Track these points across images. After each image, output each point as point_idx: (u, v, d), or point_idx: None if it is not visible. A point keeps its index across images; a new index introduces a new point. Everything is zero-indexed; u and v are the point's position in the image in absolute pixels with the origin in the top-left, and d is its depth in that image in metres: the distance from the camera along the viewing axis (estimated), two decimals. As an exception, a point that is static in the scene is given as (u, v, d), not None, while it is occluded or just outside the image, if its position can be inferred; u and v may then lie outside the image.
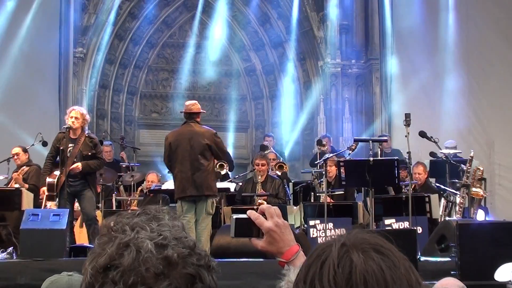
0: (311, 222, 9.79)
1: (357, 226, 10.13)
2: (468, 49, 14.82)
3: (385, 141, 11.88)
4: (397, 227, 9.43)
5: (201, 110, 9.52)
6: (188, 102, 9.67)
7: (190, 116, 9.34)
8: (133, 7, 18.29)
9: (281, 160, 13.20)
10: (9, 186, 10.79)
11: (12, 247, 8.82)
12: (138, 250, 1.31)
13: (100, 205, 11.08)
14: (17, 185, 10.60)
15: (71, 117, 9.35)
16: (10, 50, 15.24)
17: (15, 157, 11.14)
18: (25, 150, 11.25)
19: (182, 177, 9.07)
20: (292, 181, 12.87)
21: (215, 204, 9.51)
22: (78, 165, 9.22)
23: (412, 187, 10.41)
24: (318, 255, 1.35)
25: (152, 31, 18.93)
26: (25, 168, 11.02)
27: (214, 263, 1.40)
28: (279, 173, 12.21)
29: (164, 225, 1.38)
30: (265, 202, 10.73)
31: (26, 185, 10.62)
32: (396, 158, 9.77)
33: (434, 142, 10.49)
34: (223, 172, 12.34)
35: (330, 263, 1.32)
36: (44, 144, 11.14)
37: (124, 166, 13.61)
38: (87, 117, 9.63)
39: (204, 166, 9.10)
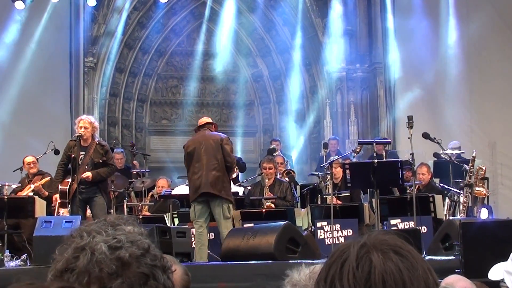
0: (319, 224, 9.90)
1: (363, 226, 10.25)
2: (469, 50, 14.86)
3: (389, 143, 11.98)
4: (402, 227, 9.56)
5: (213, 122, 9.79)
6: (201, 118, 10.01)
7: (204, 126, 9.61)
8: (141, 17, 18.43)
9: (288, 167, 13.33)
10: (20, 194, 10.91)
11: (26, 254, 8.96)
12: (92, 252, 1.38)
13: (112, 211, 11.19)
14: (31, 193, 10.72)
15: (80, 127, 9.52)
16: (21, 61, 15.38)
17: (32, 165, 11.25)
18: (37, 160, 11.39)
19: (195, 178, 9.20)
20: (299, 183, 12.98)
21: (231, 208, 9.61)
22: (89, 175, 9.34)
23: (416, 187, 10.53)
24: (339, 255, 1.38)
25: (160, 40, 19.05)
26: (46, 177, 11.08)
27: (169, 264, 1.47)
28: (287, 179, 12.33)
29: (120, 229, 1.45)
30: (273, 205, 10.89)
31: (46, 193, 10.76)
32: (399, 159, 9.87)
33: (437, 143, 10.62)
34: (233, 176, 12.49)
35: (350, 263, 1.34)
36: (56, 152, 11.25)
37: (135, 172, 13.75)
38: (96, 124, 9.76)
39: (217, 167, 9.22)
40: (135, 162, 14.46)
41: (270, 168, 11.27)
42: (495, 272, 3.42)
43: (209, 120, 9.84)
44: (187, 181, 9.92)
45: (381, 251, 1.35)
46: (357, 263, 1.34)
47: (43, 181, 10.94)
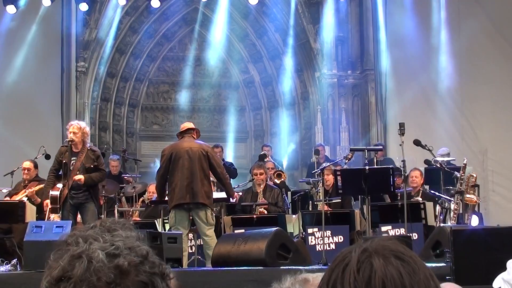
0: (310, 230, 9.92)
1: (354, 233, 10.27)
2: (460, 57, 14.92)
3: (381, 149, 12.00)
4: (393, 234, 9.59)
5: (196, 128, 9.76)
6: (184, 123, 9.99)
7: (186, 131, 9.57)
8: (133, 22, 18.42)
9: (279, 169, 13.33)
10: (13, 199, 10.86)
11: (16, 259, 8.93)
12: (89, 260, 1.33)
13: (102, 216, 11.15)
14: (25, 199, 10.67)
15: (70, 132, 9.52)
16: (13, 65, 15.36)
17: (26, 171, 11.14)
18: (36, 166, 11.24)
19: (180, 185, 9.19)
20: (291, 190, 12.98)
21: (214, 214, 9.64)
22: (81, 177, 9.32)
23: (415, 191, 10.69)
24: (341, 259, 1.40)
25: (152, 45, 19.05)
26: (39, 185, 10.99)
27: (168, 270, 1.44)
28: (278, 182, 12.34)
29: (117, 235, 1.41)
30: (265, 212, 10.90)
31: (39, 200, 10.70)
32: (391, 166, 9.90)
33: (429, 150, 10.65)
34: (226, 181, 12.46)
35: (351, 267, 1.36)
36: (47, 157, 11.22)
37: (126, 178, 13.74)
38: (87, 130, 9.74)
39: (201, 175, 9.23)
40: (126, 177, 14.30)
41: (261, 174, 11.28)
42: (497, 281, 3.47)
43: (191, 125, 9.80)
44: (156, 184, 9.90)
45: (382, 256, 1.36)
46: (358, 267, 1.35)
47: (37, 187, 10.88)
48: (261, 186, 11.27)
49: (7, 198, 10.94)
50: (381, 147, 12.49)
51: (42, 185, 10.86)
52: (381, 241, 1.41)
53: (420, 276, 1.36)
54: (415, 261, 1.38)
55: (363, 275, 1.34)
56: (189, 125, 9.80)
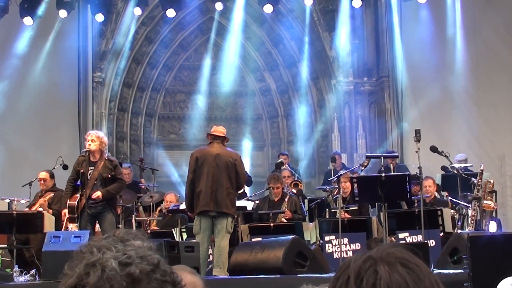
0: (327, 238, 9.92)
1: (371, 240, 10.25)
2: (476, 63, 14.87)
3: (397, 156, 11.98)
4: (410, 241, 9.56)
5: (226, 136, 9.77)
6: (216, 126, 9.96)
7: (217, 137, 9.60)
8: (149, 32, 18.50)
9: (296, 178, 13.31)
10: (32, 209, 10.92)
11: (35, 269, 9.00)
12: (103, 269, 1.37)
13: (120, 226, 11.19)
14: (40, 209, 10.73)
15: (88, 140, 9.56)
16: (30, 76, 15.46)
17: (42, 182, 11.20)
18: (52, 176, 11.32)
19: (204, 192, 9.22)
20: (307, 197, 12.97)
21: (233, 223, 9.67)
22: (99, 194, 9.31)
23: (428, 200, 10.66)
24: (346, 267, 1.41)
25: (168, 55, 19.09)
26: (50, 194, 11.12)
27: (179, 279, 1.47)
28: (295, 191, 12.34)
29: (130, 245, 1.45)
30: (285, 221, 10.91)
31: (50, 211, 10.75)
32: (407, 173, 9.88)
33: (445, 156, 10.62)
34: (240, 191, 12.49)
35: (355, 275, 1.37)
36: (65, 167, 11.28)
37: (143, 187, 13.77)
38: (105, 139, 9.75)
39: (227, 184, 9.26)
40: (142, 180, 14.43)
41: (277, 188, 11.29)
42: (503, 286, 3.46)
43: (224, 132, 9.81)
44: (185, 193, 9.87)
45: (388, 263, 1.37)
46: (362, 275, 1.36)
47: (47, 197, 10.95)
48: (278, 196, 11.28)
49: (26, 209, 11.01)
50: (397, 154, 12.47)
51: (51, 194, 10.94)
52: (387, 249, 1.42)
53: (425, 283, 1.36)
54: (421, 268, 1.39)
55: (367, 283, 1.35)
56: (223, 131, 9.78)
